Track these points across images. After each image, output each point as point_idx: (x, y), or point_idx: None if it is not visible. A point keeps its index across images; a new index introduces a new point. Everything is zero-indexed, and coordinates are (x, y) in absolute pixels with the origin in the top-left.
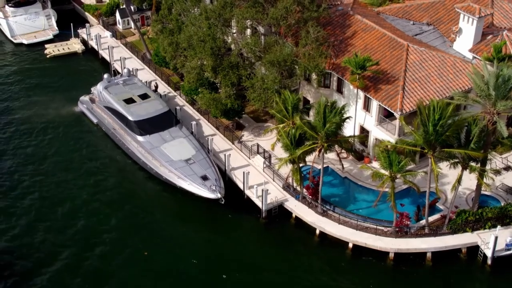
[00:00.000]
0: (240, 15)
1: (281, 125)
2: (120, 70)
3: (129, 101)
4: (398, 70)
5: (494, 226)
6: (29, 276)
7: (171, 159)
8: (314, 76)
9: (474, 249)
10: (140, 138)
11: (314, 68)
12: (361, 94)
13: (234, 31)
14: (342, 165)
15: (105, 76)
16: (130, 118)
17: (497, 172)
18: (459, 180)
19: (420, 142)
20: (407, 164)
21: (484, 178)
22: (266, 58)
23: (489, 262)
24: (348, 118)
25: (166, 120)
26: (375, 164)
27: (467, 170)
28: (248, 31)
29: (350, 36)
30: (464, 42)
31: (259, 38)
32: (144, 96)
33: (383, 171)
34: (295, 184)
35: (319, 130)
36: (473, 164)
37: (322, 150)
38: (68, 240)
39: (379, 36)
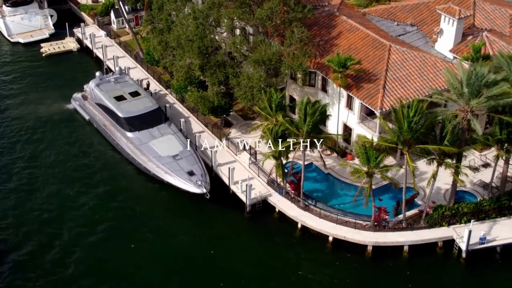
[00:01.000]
0: (226, 15)
1: (265, 123)
2: (113, 69)
3: (120, 98)
4: (380, 69)
5: (470, 221)
6: (17, 267)
7: (159, 155)
8: (299, 75)
9: (450, 243)
10: (129, 134)
11: (298, 67)
12: (344, 92)
13: (222, 30)
14: (324, 161)
15: (97, 74)
16: (120, 114)
17: (476, 169)
18: (434, 176)
19: (394, 139)
20: (384, 159)
21: (460, 175)
22: (251, 57)
23: (463, 255)
24: (327, 116)
25: (155, 117)
26: (358, 161)
27: (443, 166)
28: (237, 31)
29: (335, 36)
30: (445, 42)
31: (247, 37)
32: (134, 94)
33: (361, 167)
34: (278, 180)
35: (300, 127)
36: (448, 160)
37: (303, 147)
38: (56, 231)
39: (363, 37)
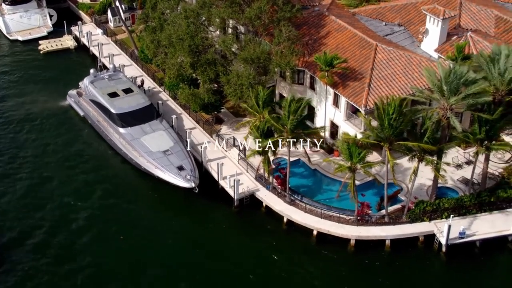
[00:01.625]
0: (216, 14)
1: (253, 119)
2: (109, 66)
3: (113, 95)
4: (365, 68)
5: (452, 216)
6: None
7: (150, 150)
8: (287, 73)
9: (431, 237)
10: (121, 130)
11: (286, 65)
12: (331, 90)
13: (214, 29)
14: (308, 157)
15: (92, 71)
16: (112, 111)
17: (459, 166)
18: (415, 172)
19: (374, 135)
20: (367, 156)
21: (441, 171)
22: (240, 56)
23: (443, 249)
24: (310, 113)
25: (147, 114)
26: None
27: (423, 162)
28: (229, 30)
29: (324, 36)
30: (430, 42)
31: (238, 36)
32: (127, 91)
33: (345, 163)
34: (266, 175)
35: (285, 124)
36: (428, 157)
37: (287, 143)
38: (45, 220)
39: (350, 36)
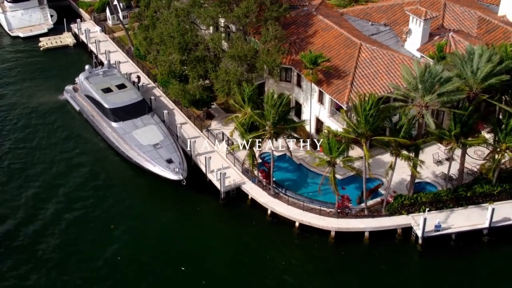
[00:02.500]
0: (205, 13)
1: (239, 115)
2: (105, 62)
3: (107, 90)
4: (349, 66)
5: (429, 210)
6: None
7: (141, 143)
8: (274, 70)
9: (408, 230)
10: (114, 124)
11: (272, 63)
12: (316, 88)
13: (205, 28)
14: (290, 152)
15: (87, 67)
16: (106, 105)
17: (439, 162)
18: (391, 167)
19: (350, 130)
20: (345, 150)
21: (420, 167)
22: (228, 53)
23: (420, 241)
24: (290, 109)
25: (139, 108)
26: None
27: (400, 158)
28: (221, 28)
29: (311, 35)
30: (413, 42)
31: (229, 34)
32: (121, 86)
33: (326, 157)
34: (251, 168)
35: (268, 119)
36: (405, 152)
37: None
38: (36, 208)
39: (336, 35)
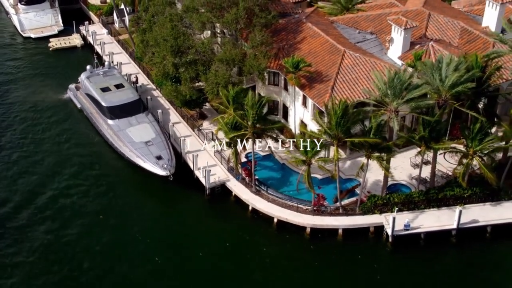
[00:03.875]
0: (197, 18)
1: (224, 115)
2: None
3: (105, 89)
4: (332, 72)
5: (401, 210)
6: None
7: (133, 140)
8: (262, 74)
9: (380, 229)
10: (110, 121)
11: (257, 67)
12: (300, 91)
13: (199, 32)
14: (272, 152)
15: (88, 67)
16: (103, 103)
17: (416, 165)
18: (362, 168)
19: (322, 133)
20: (320, 151)
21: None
22: (217, 57)
23: (390, 240)
24: (269, 110)
25: (135, 107)
26: None
27: (371, 159)
28: (208, 32)
29: (299, 41)
30: (395, 50)
31: (221, 39)
32: (119, 86)
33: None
34: (235, 166)
35: (248, 119)
36: (376, 154)
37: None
38: (33, 194)
39: (322, 42)
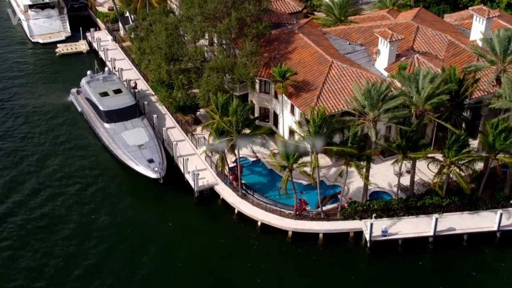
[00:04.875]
0: (190, 28)
1: (214, 121)
2: (111, 68)
3: (104, 94)
4: (319, 82)
5: (381, 217)
6: None
7: (127, 143)
8: (254, 82)
9: (360, 234)
10: (106, 125)
11: (246, 75)
12: (288, 100)
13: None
14: (257, 157)
15: (88, 72)
16: (100, 108)
17: (400, 174)
18: (341, 174)
19: (300, 141)
20: (299, 157)
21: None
22: (208, 65)
23: (368, 245)
24: (252, 118)
25: (131, 112)
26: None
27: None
28: (205, 41)
29: (290, 51)
30: (381, 61)
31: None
32: (117, 91)
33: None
34: (221, 170)
35: (233, 126)
36: (355, 161)
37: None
38: (33, 190)
39: (312, 53)
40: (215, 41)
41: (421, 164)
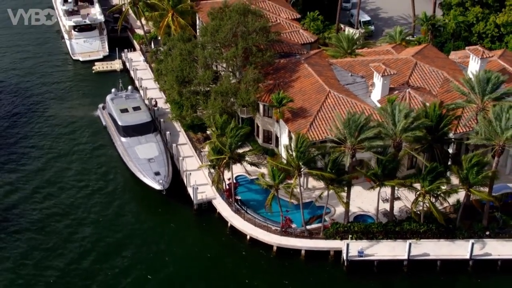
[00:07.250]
0: (201, 54)
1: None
2: (138, 87)
3: (124, 110)
4: (314, 109)
5: (361, 238)
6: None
7: (138, 157)
8: (259, 106)
9: (339, 254)
10: (123, 139)
11: (247, 100)
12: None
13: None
14: (249, 174)
15: (113, 90)
16: (119, 123)
17: (386, 200)
18: (320, 196)
19: (284, 164)
20: (284, 177)
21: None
22: (214, 89)
23: (345, 264)
24: (242, 137)
25: (146, 128)
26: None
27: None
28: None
29: (294, 79)
30: (376, 93)
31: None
32: (136, 108)
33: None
34: (215, 186)
35: (226, 145)
36: (335, 186)
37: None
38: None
39: (313, 82)
40: (224, 66)
41: (408, 192)
